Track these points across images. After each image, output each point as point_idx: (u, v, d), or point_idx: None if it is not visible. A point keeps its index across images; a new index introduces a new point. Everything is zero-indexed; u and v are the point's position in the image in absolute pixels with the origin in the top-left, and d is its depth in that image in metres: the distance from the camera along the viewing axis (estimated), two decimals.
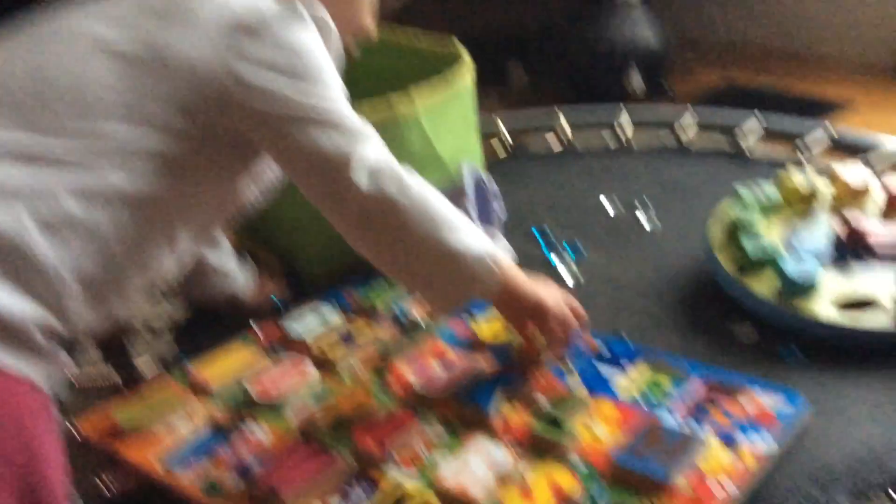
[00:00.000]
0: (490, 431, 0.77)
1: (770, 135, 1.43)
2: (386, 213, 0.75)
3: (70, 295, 0.66)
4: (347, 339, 0.93)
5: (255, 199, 0.86)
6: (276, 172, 0.85)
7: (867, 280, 0.92)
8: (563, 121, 1.52)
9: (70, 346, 0.69)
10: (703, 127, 1.48)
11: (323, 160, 0.74)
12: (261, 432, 0.80)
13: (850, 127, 1.41)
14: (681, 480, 0.68)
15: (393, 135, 1.06)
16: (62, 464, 0.66)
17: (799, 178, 1.06)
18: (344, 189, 0.74)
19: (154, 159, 0.70)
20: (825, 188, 1.08)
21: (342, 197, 0.75)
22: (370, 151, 0.76)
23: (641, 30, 2.41)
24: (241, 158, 0.78)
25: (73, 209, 0.66)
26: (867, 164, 1.22)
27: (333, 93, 0.76)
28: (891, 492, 0.70)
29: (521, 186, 1.35)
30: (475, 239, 0.78)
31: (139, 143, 0.70)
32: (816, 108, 2.30)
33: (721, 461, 0.71)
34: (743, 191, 1.05)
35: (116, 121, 0.69)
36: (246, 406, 0.84)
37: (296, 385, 0.85)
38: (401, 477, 0.72)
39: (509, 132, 1.52)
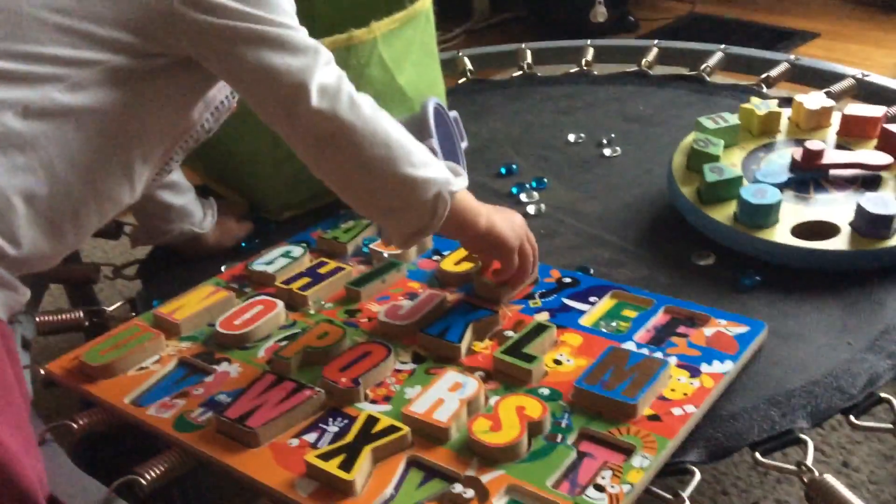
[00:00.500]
0: (459, 365, 0.78)
1: (733, 65, 1.44)
2: (338, 135, 0.74)
3: (17, 214, 0.66)
4: (314, 275, 0.94)
5: (208, 125, 0.84)
6: (227, 96, 0.85)
7: (824, 206, 0.93)
8: (528, 57, 1.52)
9: (36, 284, 0.69)
10: (667, 57, 1.48)
11: (275, 80, 0.72)
12: (231, 369, 0.80)
13: (813, 58, 1.42)
14: (644, 404, 0.70)
15: (353, 67, 1.05)
16: (23, 391, 0.67)
17: (760, 107, 1.07)
18: (297, 109, 0.73)
19: (99, 76, 0.70)
20: (785, 116, 1.09)
21: (296, 117, 0.73)
22: (323, 71, 0.74)
23: None
24: (190, 78, 0.77)
25: (15, 124, 0.66)
26: (828, 93, 1.23)
27: (284, 9, 0.74)
28: (850, 416, 0.73)
29: (483, 117, 1.35)
30: (430, 168, 0.77)
31: (83, 63, 0.69)
32: (781, 39, 2.30)
33: (681, 384, 0.73)
34: (704, 120, 1.06)
35: (57, 44, 0.68)
36: (216, 345, 0.84)
37: (265, 322, 0.86)
38: (372, 410, 0.73)
39: (474, 67, 1.52)
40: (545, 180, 1.15)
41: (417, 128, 1.08)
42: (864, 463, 1.04)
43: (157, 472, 0.70)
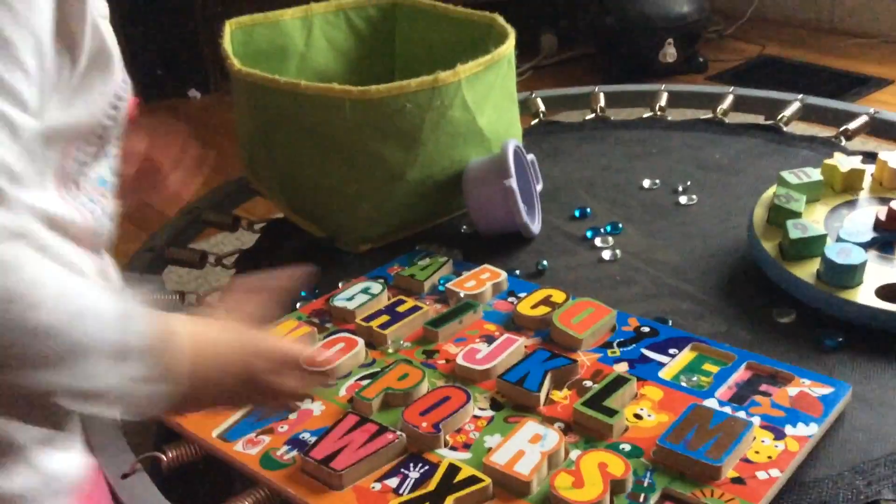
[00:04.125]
0: (538, 414, 0.79)
1: (811, 114, 1.43)
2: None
3: None
4: (393, 314, 0.95)
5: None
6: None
7: None
8: (601, 99, 1.53)
9: None
10: (741, 103, 1.48)
11: None
12: (314, 407, 0.82)
13: (886, 108, 1.40)
14: (729, 466, 0.70)
15: (436, 108, 1.08)
16: None
17: (843, 163, 1.07)
18: None
19: None
20: (869, 173, 1.08)
21: None
22: None
23: (676, 1, 2.38)
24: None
25: None
26: None
27: None
28: None
29: (555, 159, 1.36)
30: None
31: None
32: (854, 85, 2.28)
33: (765, 446, 0.72)
34: (787, 174, 1.06)
35: None
36: None
37: (347, 360, 0.87)
38: (453, 458, 0.74)
39: (546, 108, 1.53)
40: (620, 225, 1.15)
41: (497, 169, 1.10)
42: None
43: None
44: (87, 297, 0.53)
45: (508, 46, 1.17)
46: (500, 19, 1.24)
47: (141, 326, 0.55)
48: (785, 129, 1.38)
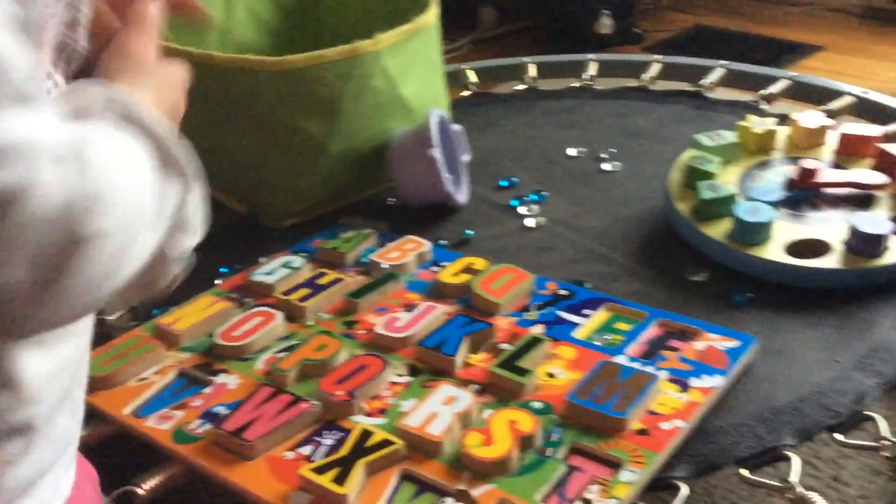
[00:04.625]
0: (455, 378, 0.80)
1: (734, 80, 1.45)
2: None
3: None
4: (314, 286, 0.95)
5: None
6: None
7: (818, 224, 0.95)
8: (531, 70, 1.53)
9: None
10: (668, 72, 1.50)
11: None
12: (230, 381, 0.82)
13: (813, 73, 1.43)
14: (634, 418, 0.72)
15: (356, 77, 1.07)
16: None
17: (756, 124, 1.09)
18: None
19: None
20: (782, 134, 1.11)
21: None
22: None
23: None
24: None
25: None
26: (826, 111, 1.24)
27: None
28: (835, 433, 0.74)
29: (485, 130, 1.37)
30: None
31: None
32: (785, 52, 2.31)
33: (671, 398, 0.74)
34: (702, 137, 1.07)
35: None
36: (215, 355, 0.86)
37: (264, 334, 0.87)
38: (367, 423, 0.74)
39: (478, 80, 1.53)
40: (545, 193, 1.16)
41: (420, 139, 1.10)
42: (855, 478, 1.05)
43: (155, 483, 0.71)
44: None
45: (431, 15, 1.17)
46: None
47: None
48: (709, 95, 1.40)
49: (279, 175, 1.10)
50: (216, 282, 1.01)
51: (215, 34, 1.27)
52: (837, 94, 1.31)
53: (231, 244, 1.09)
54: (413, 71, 1.15)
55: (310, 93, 1.06)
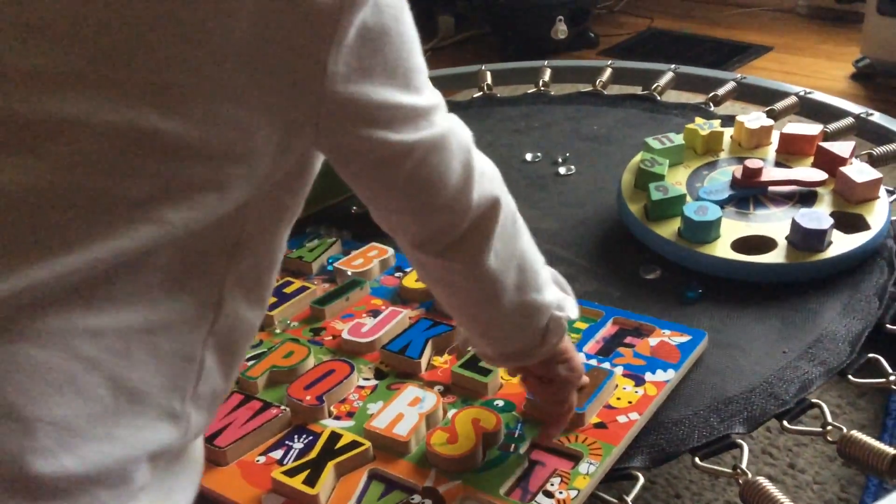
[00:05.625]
0: (420, 380, 0.82)
1: (684, 84, 1.50)
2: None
3: None
4: (280, 295, 0.97)
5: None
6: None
7: (763, 221, 0.99)
8: (488, 77, 1.57)
9: None
10: (621, 76, 1.54)
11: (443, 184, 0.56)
12: None
13: (764, 74, 1.48)
14: (592, 412, 0.75)
15: None
16: None
17: (702, 127, 1.13)
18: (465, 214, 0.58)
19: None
20: (727, 135, 1.15)
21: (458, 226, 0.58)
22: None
23: None
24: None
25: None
26: (770, 111, 1.29)
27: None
28: (783, 421, 0.78)
29: None
30: (548, 289, 0.67)
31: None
32: (736, 53, 2.37)
33: (626, 393, 0.78)
34: (651, 140, 1.11)
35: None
36: None
37: None
38: (336, 426, 0.77)
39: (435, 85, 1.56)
40: None
41: None
42: (810, 464, 1.09)
43: None
44: None
45: None
46: None
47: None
48: (659, 98, 1.45)
49: None
50: None
51: None
52: (782, 94, 1.36)
53: None
54: None
55: None
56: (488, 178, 0.60)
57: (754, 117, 1.14)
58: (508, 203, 0.62)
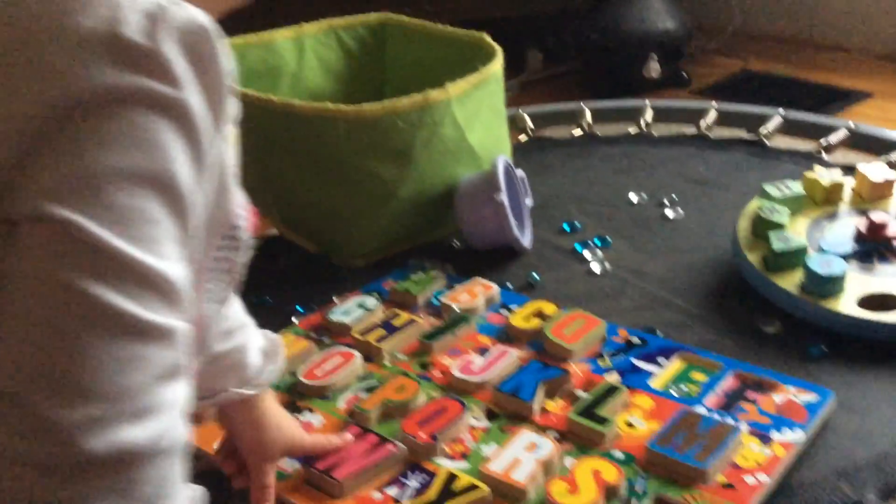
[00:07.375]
0: (533, 423, 0.81)
1: (792, 128, 1.46)
2: None
3: None
4: (389, 327, 0.97)
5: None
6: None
7: (888, 277, 0.95)
8: (587, 115, 1.56)
9: None
10: (724, 118, 1.51)
11: None
12: (314, 419, 0.84)
13: (865, 121, 1.44)
14: (716, 470, 0.72)
15: (427, 125, 1.10)
16: None
17: (824, 176, 1.10)
18: None
19: None
20: (849, 186, 1.12)
21: None
22: None
23: (660, 17, 2.42)
24: None
25: None
26: (890, 163, 1.25)
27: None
28: None
29: (544, 174, 1.39)
30: None
31: None
32: (835, 99, 2.32)
33: (753, 452, 0.75)
34: (769, 187, 1.09)
35: None
36: (298, 394, 0.88)
37: (344, 373, 0.89)
38: (451, 466, 0.76)
39: (534, 125, 1.56)
40: (608, 239, 1.18)
41: (488, 184, 1.13)
42: None
43: None
44: None
45: (496, 64, 1.20)
46: (488, 38, 1.27)
47: None
48: (767, 143, 1.41)
49: (352, 216, 1.13)
50: (293, 319, 1.03)
51: (288, 79, 1.31)
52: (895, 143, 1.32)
53: (303, 283, 1.12)
54: (479, 118, 1.18)
55: (384, 139, 1.09)
56: None
57: (876, 168, 1.11)
58: None
